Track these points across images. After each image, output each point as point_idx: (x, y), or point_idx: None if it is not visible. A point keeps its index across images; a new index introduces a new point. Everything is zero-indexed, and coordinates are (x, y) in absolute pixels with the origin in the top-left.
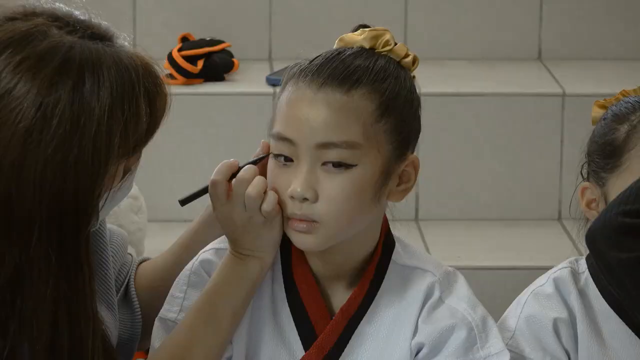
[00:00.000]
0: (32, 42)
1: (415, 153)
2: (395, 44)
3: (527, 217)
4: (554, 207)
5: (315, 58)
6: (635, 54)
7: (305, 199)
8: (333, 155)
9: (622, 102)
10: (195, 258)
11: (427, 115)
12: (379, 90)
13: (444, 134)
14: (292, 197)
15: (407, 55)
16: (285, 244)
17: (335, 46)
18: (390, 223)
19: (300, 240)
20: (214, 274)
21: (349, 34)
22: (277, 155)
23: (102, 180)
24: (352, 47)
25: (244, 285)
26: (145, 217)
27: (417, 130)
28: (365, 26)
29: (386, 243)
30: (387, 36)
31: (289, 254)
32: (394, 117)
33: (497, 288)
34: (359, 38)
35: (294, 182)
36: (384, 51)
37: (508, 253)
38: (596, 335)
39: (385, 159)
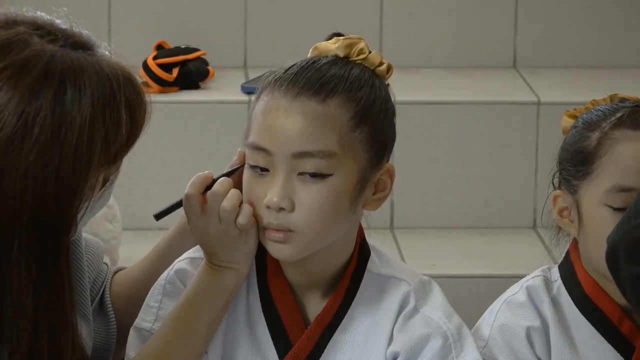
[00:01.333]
0: (14, 50)
1: (390, 161)
2: (370, 52)
3: (502, 225)
4: (529, 215)
5: (290, 67)
6: (611, 62)
7: (282, 209)
8: (309, 165)
9: (592, 110)
10: (170, 267)
11: (402, 124)
12: (355, 99)
13: (419, 142)
14: (268, 207)
15: (381, 64)
16: (261, 254)
17: (309, 55)
18: (365, 231)
19: (277, 250)
20: (189, 284)
21: (323, 42)
22: (252, 166)
23: (83, 189)
24: (327, 56)
25: (220, 296)
26: (120, 225)
27: (392, 138)
28: (339, 34)
29: (361, 252)
30: (362, 44)
31: (264, 264)
32: (370, 126)
33: (472, 296)
34: (333, 47)
35: (270, 192)
36: (359, 59)
37: (483, 261)
38: (569, 343)
39: (361, 168)
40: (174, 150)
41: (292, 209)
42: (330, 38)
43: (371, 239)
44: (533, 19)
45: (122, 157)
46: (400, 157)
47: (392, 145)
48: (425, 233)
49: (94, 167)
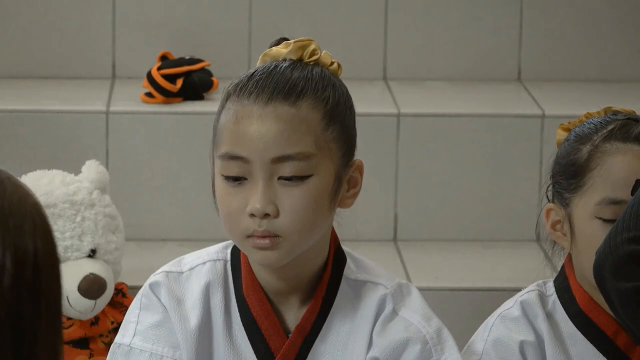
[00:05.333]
0: None
1: (394, 173)
2: (321, 53)
3: (506, 238)
4: (533, 228)
5: (252, 74)
6: (615, 75)
7: (267, 215)
8: (289, 168)
9: (585, 123)
10: (147, 281)
11: (406, 136)
12: (322, 99)
13: (422, 154)
14: (252, 215)
15: (332, 63)
16: (236, 263)
17: (259, 62)
18: (368, 244)
19: (263, 256)
20: None
21: (273, 47)
22: (227, 177)
23: None
24: (285, 60)
25: None
26: (123, 236)
27: (356, 135)
28: (286, 39)
29: (336, 258)
30: (313, 45)
31: (238, 272)
32: (339, 124)
33: (475, 309)
34: (284, 50)
35: (253, 200)
36: (312, 61)
37: (486, 274)
38: (565, 357)
39: (337, 166)
40: (177, 161)
41: (277, 214)
42: (278, 43)
43: (374, 251)
44: (538, 32)
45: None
46: (403, 169)
47: (356, 142)
48: (429, 246)
49: None
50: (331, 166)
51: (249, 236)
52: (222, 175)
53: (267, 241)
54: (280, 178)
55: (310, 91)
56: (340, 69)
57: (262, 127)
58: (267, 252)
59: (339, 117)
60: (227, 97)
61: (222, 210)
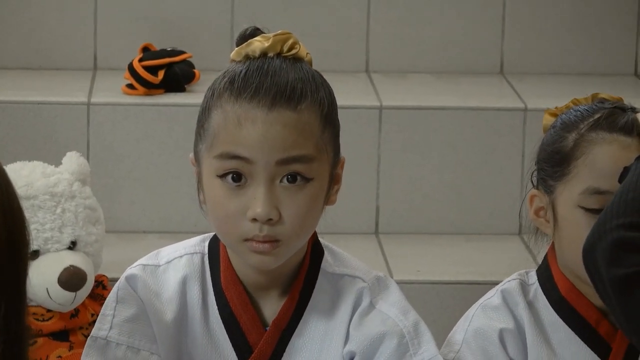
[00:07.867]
0: None
1: (376, 166)
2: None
3: (488, 231)
4: (515, 221)
5: (245, 73)
6: (597, 69)
7: (269, 220)
8: (292, 170)
9: (571, 110)
10: (123, 274)
11: (389, 129)
12: (319, 101)
13: (405, 147)
14: (253, 220)
15: (307, 55)
16: (214, 256)
17: (234, 54)
18: (350, 236)
19: (260, 260)
20: None
21: (252, 41)
22: (224, 175)
23: None
24: (272, 57)
25: None
26: (103, 228)
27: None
28: (258, 29)
29: (314, 252)
30: (292, 39)
31: (217, 265)
32: (332, 125)
33: (457, 302)
34: (265, 44)
35: (254, 204)
36: (290, 55)
37: (468, 267)
38: (546, 345)
39: (330, 167)
40: (158, 153)
41: (279, 219)
42: (253, 34)
43: (356, 243)
44: (520, 25)
45: None
46: (386, 162)
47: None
48: (411, 239)
49: None
50: (327, 168)
51: (246, 240)
52: (218, 176)
53: (267, 245)
54: (282, 181)
55: (309, 94)
56: (311, 61)
57: (267, 131)
58: (264, 256)
59: (331, 117)
60: (219, 96)
61: (217, 212)
